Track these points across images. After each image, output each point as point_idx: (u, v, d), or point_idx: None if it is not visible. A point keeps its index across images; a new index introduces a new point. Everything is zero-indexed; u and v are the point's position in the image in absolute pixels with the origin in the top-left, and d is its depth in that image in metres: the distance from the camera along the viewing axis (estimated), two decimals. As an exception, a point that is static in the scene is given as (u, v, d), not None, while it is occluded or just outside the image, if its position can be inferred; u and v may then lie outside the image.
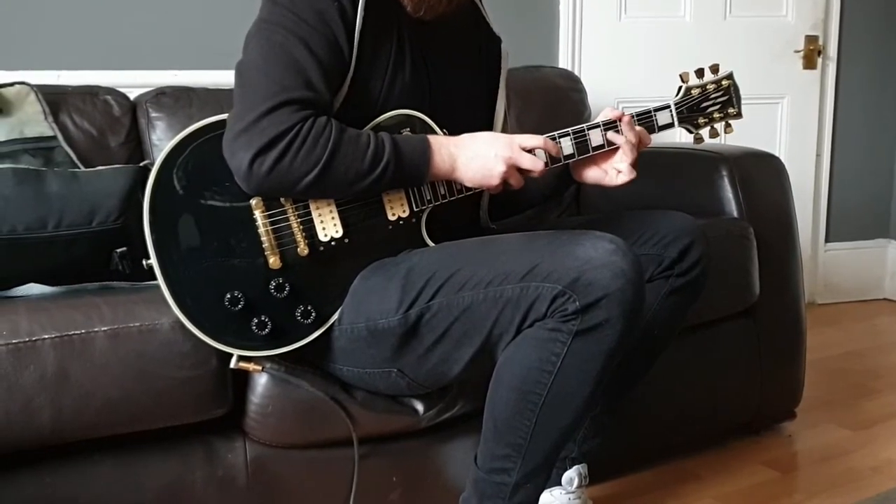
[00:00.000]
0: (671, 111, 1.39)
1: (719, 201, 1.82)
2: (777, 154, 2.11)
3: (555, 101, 2.21)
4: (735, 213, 1.80)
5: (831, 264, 3.08)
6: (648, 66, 2.70)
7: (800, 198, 2.03)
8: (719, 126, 1.43)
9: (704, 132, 1.42)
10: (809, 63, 2.86)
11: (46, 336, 1.19)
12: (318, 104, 1.19)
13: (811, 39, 2.85)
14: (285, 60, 1.18)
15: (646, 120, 1.37)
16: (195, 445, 1.33)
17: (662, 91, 2.70)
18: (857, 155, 3.06)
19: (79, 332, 1.21)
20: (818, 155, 2.98)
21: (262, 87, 1.17)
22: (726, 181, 1.81)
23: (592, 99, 2.33)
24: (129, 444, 1.29)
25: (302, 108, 1.17)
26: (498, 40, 1.47)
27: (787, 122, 2.89)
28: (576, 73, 2.52)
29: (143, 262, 1.23)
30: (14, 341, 1.18)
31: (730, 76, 1.43)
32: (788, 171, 1.89)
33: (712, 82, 1.41)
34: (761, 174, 1.84)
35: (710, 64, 1.41)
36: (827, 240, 3.07)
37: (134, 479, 1.29)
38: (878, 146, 3.10)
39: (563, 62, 2.63)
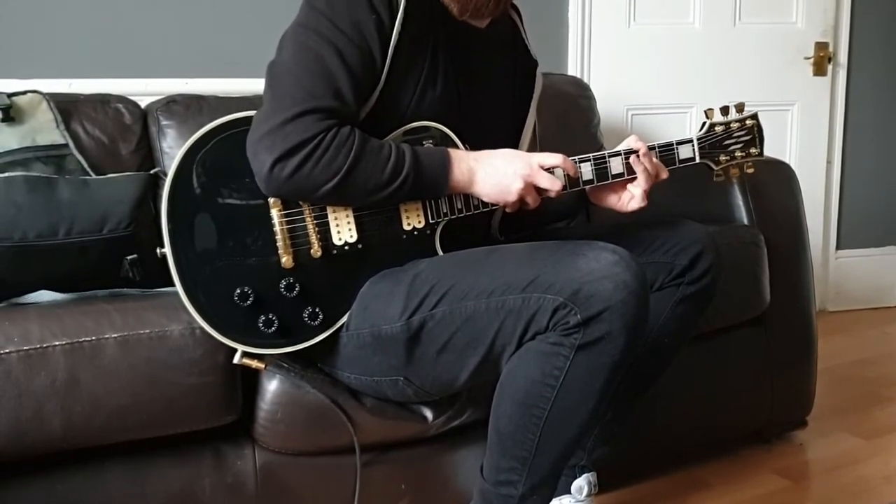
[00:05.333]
0: (693, 146, 1.38)
1: (730, 208, 1.81)
2: (787, 161, 2.11)
3: (564, 108, 2.20)
4: (745, 220, 1.80)
5: (842, 271, 3.06)
6: (658, 73, 2.70)
7: (810, 205, 2.02)
8: (741, 165, 1.43)
9: (724, 169, 1.41)
10: (819, 70, 2.85)
11: (57, 343, 1.20)
12: (344, 114, 1.20)
13: (821, 46, 2.84)
14: (316, 68, 1.19)
15: (667, 152, 1.36)
16: (205, 452, 1.34)
17: (671, 98, 2.73)
18: (867, 162, 3.05)
19: (89, 338, 1.21)
20: (829, 162, 2.97)
21: (291, 92, 1.18)
22: (737, 188, 1.80)
23: (601, 106, 2.33)
24: (139, 451, 1.29)
25: (327, 117, 1.17)
26: (534, 62, 1.47)
27: (798, 129, 2.88)
28: (585, 80, 2.52)
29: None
30: (25, 348, 1.18)
31: (754, 116, 1.43)
32: (799, 178, 1.89)
33: (736, 121, 1.41)
34: (772, 181, 1.84)
35: (735, 104, 1.41)
36: (838, 247, 3.06)
37: (144, 485, 1.29)
38: (888, 153, 3.08)
39: (573, 69, 2.63)
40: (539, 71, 1.48)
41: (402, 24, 1.24)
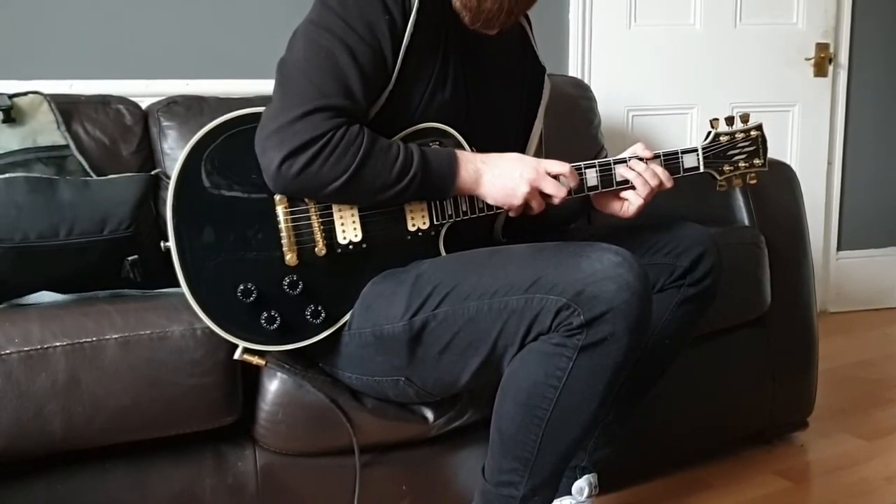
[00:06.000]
0: (698, 155, 1.38)
1: (730, 209, 1.81)
2: (788, 162, 2.10)
3: (565, 109, 2.20)
4: (746, 222, 1.80)
5: (843, 272, 3.06)
6: (658, 74, 2.70)
7: (811, 206, 2.02)
8: (744, 177, 1.42)
9: (728, 178, 1.41)
10: (820, 71, 2.86)
11: (58, 343, 1.20)
12: (353, 113, 1.20)
13: (822, 47, 2.84)
14: (328, 66, 1.19)
15: (672, 161, 1.36)
16: (206, 453, 1.33)
17: (672, 99, 2.73)
18: (868, 163, 3.05)
19: (90, 339, 1.21)
20: (829, 163, 2.97)
21: (301, 90, 1.18)
22: (738, 190, 1.81)
23: (602, 107, 2.33)
24: (140, 452, 1.29)
25: (337, 116, 1.17)
26: (542, 69, 1.47)
27: (799, 130, 2.88)
28: (585, 81, 2.53)
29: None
30: (26, 349, 1.18)
31: (759, 127, 1.42)
32: (800, 179, 1.89)
33: (741, 131, 1.41)
34: (773, 183, 1.83)
35: (740, 114, 1.41)
36: (839, 248, 3.06)
37: (144, 486, 1.29)
38: (889, 154, 3.09)
39: (573, 70, 2.63)
40: (547, 77, 1.48)
41: (414, 26, 1.24)
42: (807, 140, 2.89)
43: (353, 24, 1.20)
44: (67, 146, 1.70)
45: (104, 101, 1.84)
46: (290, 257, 1.24)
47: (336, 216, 1.26)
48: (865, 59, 2.97)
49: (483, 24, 1.30)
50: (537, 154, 1.46)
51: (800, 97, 2.86)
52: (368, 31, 1.21)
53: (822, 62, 2.85)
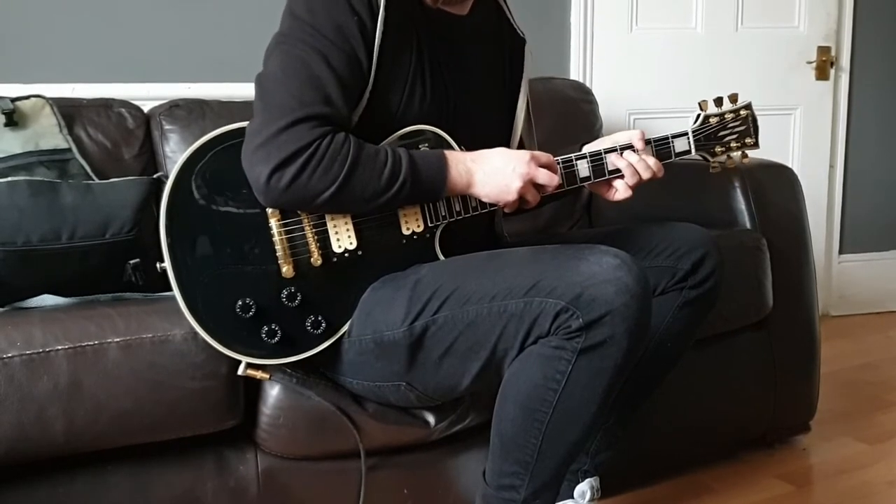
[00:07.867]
0: (689, 138, 1.38)
1: (732, 212, 1.81)
2: (790, 165, 2.10)
3: (566, 112, 2.21)
4: (748, 225, 1.80)
5: (845, 276, 3.06)
6: (660, 78, 2.70)
7: (813, 209, 2.02)
8: (736, 155, 1.43)
9: (721, 160, 1.42)
10: (822, 74, 2.85)
11: (60, 347, 1.20)
12: (336, 120, 1.20)
13: (824, 50, 2.84)
14: (304, 75, 1.18)
15: (663, 146, 1.37)
16: (207, 456, 1.34)
17: (674, 102, 2.73)
18: (870, 166, 3.04)
19: (92, 343, 1.21)
20: (831, 166, 2.97)
21: (281, 102, 1.17)
22: (739, 192, 1.81)
23: (604, 110, 2.34)
24: (142, 455, 1.29)
25: (321, 125, 1.17)
26: (522, 40, 1.46)
27: (800, 133, 2.88)
28: (587, 84, 2.53)
29: (157, 266, 1.23)
30: (28, 352, 1.18)
31: (748, 106, 1.43)
32: (801, 182, 1.89)
33: (731, 111, 1.41)
34: (774, 185, 1.84)
35: (729, 93, 1.41)
36: (841, 251, 3.05)
37: (146, 489, 1.29)
38: (891, 157, 3.08)
39: (575, 73, 2.63)
40: (528, 48, 1.47)
41: (384, 24, 1.23)
42: (809, 143, 2.89)
43: (322, 30, 1.20)
44: (69, 149, 1.70)
45: (106, 104, 1.85)
46: (287, 269, 1.23)
47: (329, 225, 1.25)
48: (867, 62, 2.97)
49: (444, 0, 1.30)
50: (527, 126, 1.45)
51: (802, 100, 2.86)
52: (339, 36, 1.20)
53: (824, 65, 2.85)
